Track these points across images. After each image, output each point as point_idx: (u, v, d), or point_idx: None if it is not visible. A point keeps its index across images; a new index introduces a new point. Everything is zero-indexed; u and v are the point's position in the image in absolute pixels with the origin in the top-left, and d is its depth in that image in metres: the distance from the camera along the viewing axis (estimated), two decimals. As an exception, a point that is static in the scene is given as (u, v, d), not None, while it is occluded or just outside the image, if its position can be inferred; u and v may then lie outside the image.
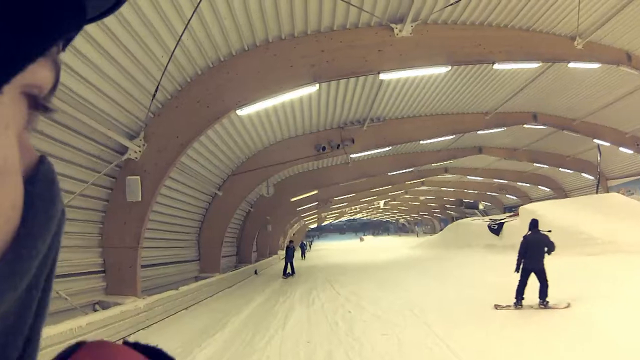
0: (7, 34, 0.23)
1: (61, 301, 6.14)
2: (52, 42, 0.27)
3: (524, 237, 6.99)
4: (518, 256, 6.87)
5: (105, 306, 6.89)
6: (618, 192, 15.23)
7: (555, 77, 13.61)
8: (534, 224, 7.12)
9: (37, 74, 0.28)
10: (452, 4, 7.75)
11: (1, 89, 0.24)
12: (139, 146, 7.46)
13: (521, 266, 6.78)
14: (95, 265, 7.50)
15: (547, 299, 6.45)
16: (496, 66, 9.71)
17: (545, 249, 6.75)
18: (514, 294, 6.73)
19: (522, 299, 6.66)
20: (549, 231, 7.05)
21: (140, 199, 7.41)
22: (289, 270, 16.74)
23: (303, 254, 31.28)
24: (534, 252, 6.75)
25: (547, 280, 6.51)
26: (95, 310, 6.65)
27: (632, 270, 7.88)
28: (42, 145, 5.75)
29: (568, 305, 6.22)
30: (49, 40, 0.26)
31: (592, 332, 4.89)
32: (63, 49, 0.32)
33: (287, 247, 17.76)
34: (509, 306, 6.69)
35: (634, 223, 10.51)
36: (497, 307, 6.78)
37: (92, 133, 6.53)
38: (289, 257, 17.12)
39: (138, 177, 7.45)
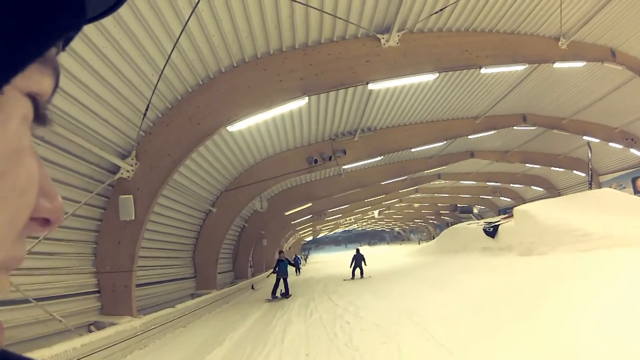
0: (7, 34, 0.23)
1: (55, 323, 6.04)
2: (51, 42, 0.27)
3: None
4: None
5: (100, 327, 6.78)
6: (610, 187, 15.41)
7: (542, 78, 13.92)
8: None
9: (37, 76, 0.29)
10: (437, 12, 7.94)
11: (1, 89, 0.25)
12: (131, 165, 7.46)
13: None
14: (90, 286, 7.40)
15: None
16: (483, 70, 9.86)
17: None
18: (513, 297, 6.73)
19: None
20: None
21: (133, 218, 7.37)
22: (280, 288, 13.12)
23: (297, 269, 27.56)
24: None
25: None
26: (91, 332, 6.53)
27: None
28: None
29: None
30: (48, 40, 0.27)
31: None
32: (63, 49, 0.33)
33: (278, 260, 13.60)
34: None
35: (629, 216, 10.61)
36: None
37: (83, 153, 6.52)
38: (280, 273, 13.24)
39: (131, 196, 7.42)
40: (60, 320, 5.89)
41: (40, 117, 0.31)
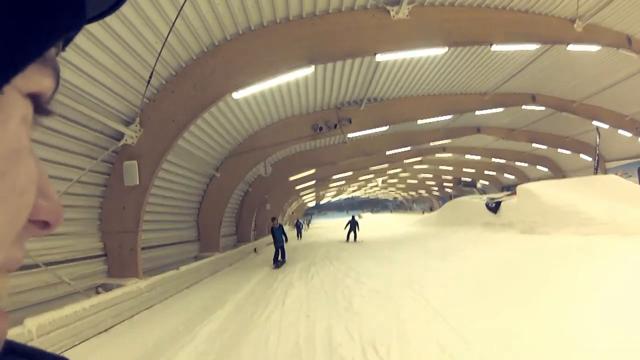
0: (7, 34, 0.24)
1: (64, 286, 6.33)
2: (51, 42, 0.27)
3: None
4: None
5: (108, 288, 7.05)
6: (616, 174, 15.31)
7: (554, 59, 13.53)
8: None
9: (38, 77, 0.29)
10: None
11: (2, 89, 0.25)
12: (135, 132, 7.50)
13: None
14: (97, 250, 7.66)
15: None
16: (494, 47, 9.62)
17: None
18: (510, 271, 6.83)
19: None
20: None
21: (138, 183, 7.51)
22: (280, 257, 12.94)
23: (299, 233, 28.21)
24: None
25: None
26: (98, 293, 6.80)
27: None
28: (38, 135, 5.79)
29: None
30: (48, 40, 0.27)
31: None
32: (63, 49, 0.33)
33: (272, 228, 13.19)
34: None
35: (632, 204, 10.64)
36: None
37: (88, 121, 6.57)
38: (277, 241, 12.87)
39: (135, 161, 7.52)
40: (69, 283, 6.14)
41: (42, 110, 0.32)
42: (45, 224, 0.33)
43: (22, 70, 0.26)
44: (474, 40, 9.31)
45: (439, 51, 9.15)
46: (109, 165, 7.70)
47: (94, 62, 6.03)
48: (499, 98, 15.94)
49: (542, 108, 17.97)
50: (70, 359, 0.38)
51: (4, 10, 0.23)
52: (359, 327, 5.24)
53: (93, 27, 5.51)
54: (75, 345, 5.07)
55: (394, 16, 7.95)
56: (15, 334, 4.28)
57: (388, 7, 7.93)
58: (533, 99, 16.93)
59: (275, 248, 12.90)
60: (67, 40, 0.33)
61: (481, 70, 13.55)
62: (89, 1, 0.30)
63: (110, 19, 5.58)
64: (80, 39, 5.49)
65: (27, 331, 4.43)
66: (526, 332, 4.31)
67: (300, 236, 27.30)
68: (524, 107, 17.54)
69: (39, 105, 0.32)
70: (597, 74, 15.06)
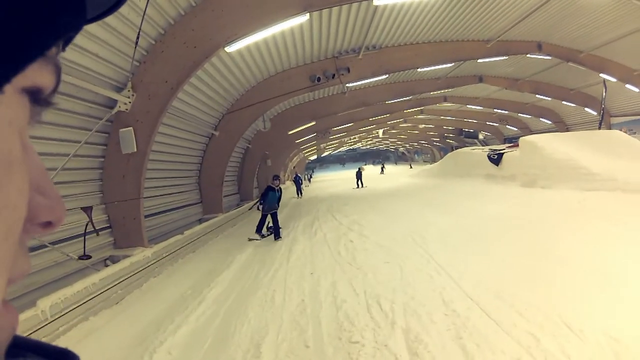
0: (7, 34, 0.24)
1: (72, 262, 6.36)
2: (52, 43, 0.27)
3: None
4: None
5: (115, 260, 7.16)
6: (620, 130, 14.96)
7: (563, 6, 12.75)
8: None
9: (38, 75, 0.29)
10: None
11: (2, 89, 0.25)
12: (128, 97, 7.23)
13: None
14: (101, 222, 7.61)
15: None
16: (499, -12, 9.03)
17: None
18: (512, 222, 6.81)
19: None
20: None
21: (135, 150, 7.38)
22: (268, 222, 10.09)
23: (299, 190, 24.66)
24: None
25: None
26: (107, 266, 6.90)
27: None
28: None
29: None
30: (49, 40, 0.26)
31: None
32: (63, 49, 0.33)
33: (267, 188, 10.05)
34: None
35: (635, 162, 10.51)
36: None
37: (78, 92, 6.29)
38: (267, 207, 9.92)
39: (131, 128, 7.34)
40: (77, 259, 6.13)
41: (42, 102, 0.31)
42: (48, 223, 0.33)
43: (23, 70, 0.26)
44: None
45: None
46: (105, 135, 7.50)
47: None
48: (503, 45, 15.20)
49: (548, 57, 17.15)
50: (72, 350, 0.37)
51: (4, 10, 0.24)
52: (363, 283, 5.32)
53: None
54: (88, 319, 5.18)
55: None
56: (29, 315, 4.30)
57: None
58: (539, 48, 16.14)
59: (263, 214, 10.04)
60: (68, 40, 0.32)
61: (485, 16, 12.81)
62: (89, 1, 0.29)
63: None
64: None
65: (41, 312, 4.46)
66: (525, 287, 4.36)
67: (301, 194, 24.29)
68: (529, 55, 16.76)
69: (40, 98, 0.31)
70: (607, 23, 14.20)
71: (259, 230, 9.98)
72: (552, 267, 4.87)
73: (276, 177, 10.27)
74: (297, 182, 25.69)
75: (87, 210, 6.34)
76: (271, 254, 8.05)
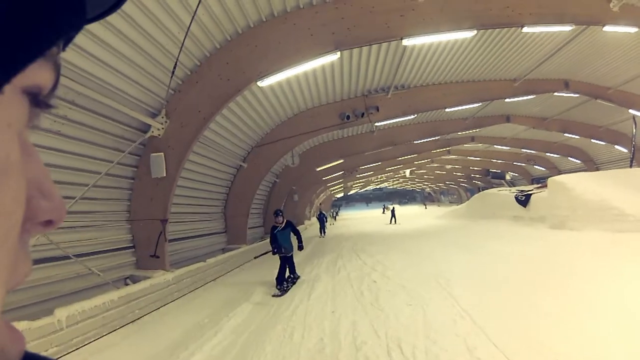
0: (7, 35, 0.23)
1: (94, 277, 6.47)
2: (52, 43, 0.27)
3: None
4: None
5: (135, 280, 7.18)
6: None
7: (589, 43, 12.70)
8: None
9: (38, 74, 0.28)
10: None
11: (2, 89, 0.25)
12: (162, 123, 7.53)
13: None
14: (125, 242, 7.76)
15: None
16: (525, 29, 9.11)
17: None
18: (540, 265, 6.53)
19: None
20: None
21: (165, 175, 7.56)
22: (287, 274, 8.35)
23: (322, 229, 22.84)
24: None
25: None
26: (127, 284, 6.93)
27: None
28: (67, 130, 5.90)
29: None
30: (48, 40, 0.26)
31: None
32: (64, 49, 0.32)
33: (272, 228, 8.28)
34: None
35: None
36: None
37: (114, 114, 6.62)
38: (278, 249, 8.20)
39: (162, 153, 7.57)
40: (99, 274, 6.26)
41: (42, 105, 0.31)
42: (48, 222, 0.33)
43: (23, 70, 0.26)
44: (504, 22, 8.79)
45: (467, 34, 8.75)
46: (136, 157, 7.77)
47: (117, 54, 6.03)
48: (529, 84, 15.15)
49: (576, 95, 16.92)
50: None
51: (4, 10, 0.24)
52: (385, 325, 5.12)
53: (114, 19, 5.48)
54: (103, 336, 5.15)
55: (420, -3, 7.61)
56: (45, 323, 4.40)
57: (414, -12, 7.59)
58: (566, 86, 15.98)
59: (281, 260, 8.29)
60: (68, 40, 0.32)
61: (511, 55, 12.90)
62: (89, 1, 0.30)
63: (130, 10, 5.55)
64: (101, 30, 5.50)
65: (57, 321, 4.55)
66: (554, 334, 4.05)
67: (324, 233, 22.56)
68: (556, 94, 16.58)
69: (39, 100, 0.30)
70: (634, 57, 13.94)
71: (279, 282, 7.99)
72: (580, 313, 4.54)
73: (277, 213, 8.32)
74: (321, 220, 23.48)
75: (164, 222, 6.87)
76: (293, 289, 7.89)
